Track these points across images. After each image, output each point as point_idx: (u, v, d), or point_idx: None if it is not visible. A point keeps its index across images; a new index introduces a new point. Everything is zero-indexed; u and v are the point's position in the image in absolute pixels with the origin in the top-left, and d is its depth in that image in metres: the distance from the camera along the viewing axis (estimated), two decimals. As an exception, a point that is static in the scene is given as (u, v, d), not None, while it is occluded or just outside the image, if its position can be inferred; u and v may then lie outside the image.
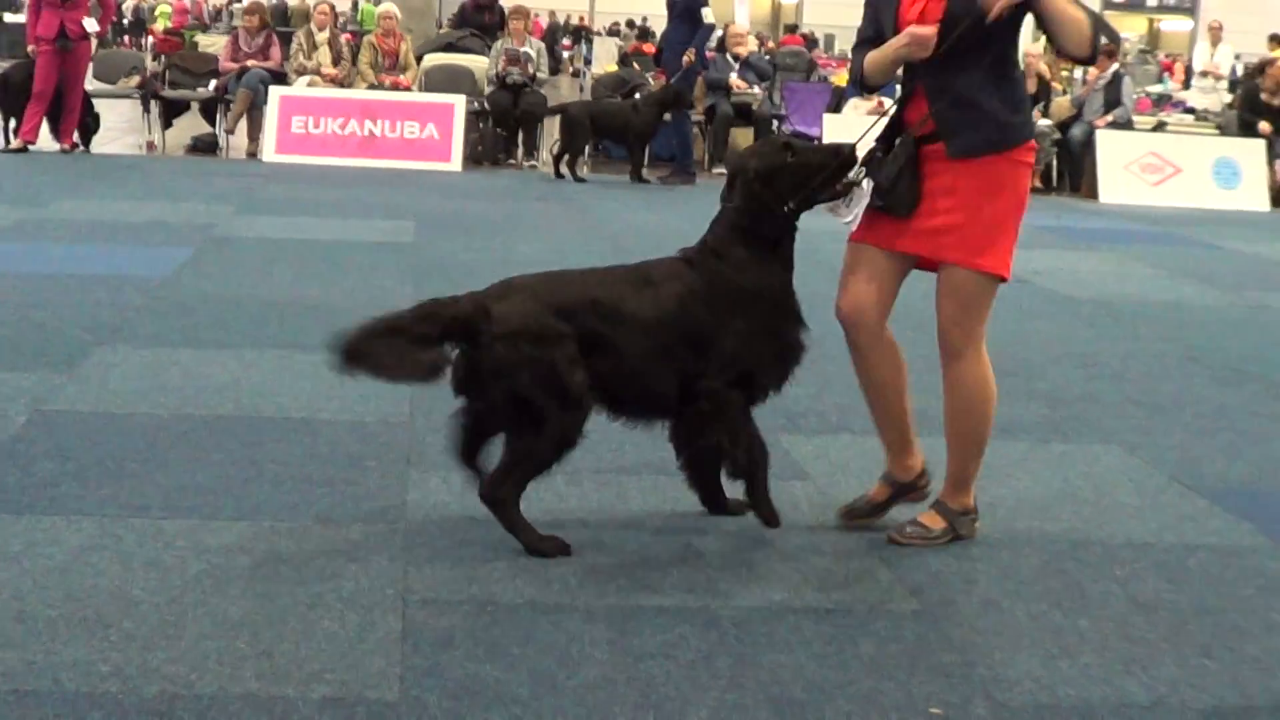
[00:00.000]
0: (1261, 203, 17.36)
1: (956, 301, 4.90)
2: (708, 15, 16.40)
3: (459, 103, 16.81)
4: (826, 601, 4.45)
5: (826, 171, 4.87)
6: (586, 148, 16.64)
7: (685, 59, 16.41)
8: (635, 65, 21.53)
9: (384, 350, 4.62)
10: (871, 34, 4.95)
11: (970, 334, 4.92)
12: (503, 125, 17.42)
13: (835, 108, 18.02)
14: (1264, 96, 18.36)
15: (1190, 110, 20.79)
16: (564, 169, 16.01)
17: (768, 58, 20.38)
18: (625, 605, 4.34)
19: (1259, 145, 17.74)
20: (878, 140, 4.97)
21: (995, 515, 5.33)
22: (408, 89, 17.32)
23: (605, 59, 24.57)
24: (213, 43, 23.78)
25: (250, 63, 17.12)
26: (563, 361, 4.60)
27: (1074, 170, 17.84)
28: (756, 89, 17.95)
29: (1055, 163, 18.00)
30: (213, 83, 17.43)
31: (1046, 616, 4.44)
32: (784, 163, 4.87)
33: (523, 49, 17.06)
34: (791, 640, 4.15)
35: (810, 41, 35.78)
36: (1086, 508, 5.52)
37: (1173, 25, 57.12)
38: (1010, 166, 4.83)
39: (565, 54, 36.08)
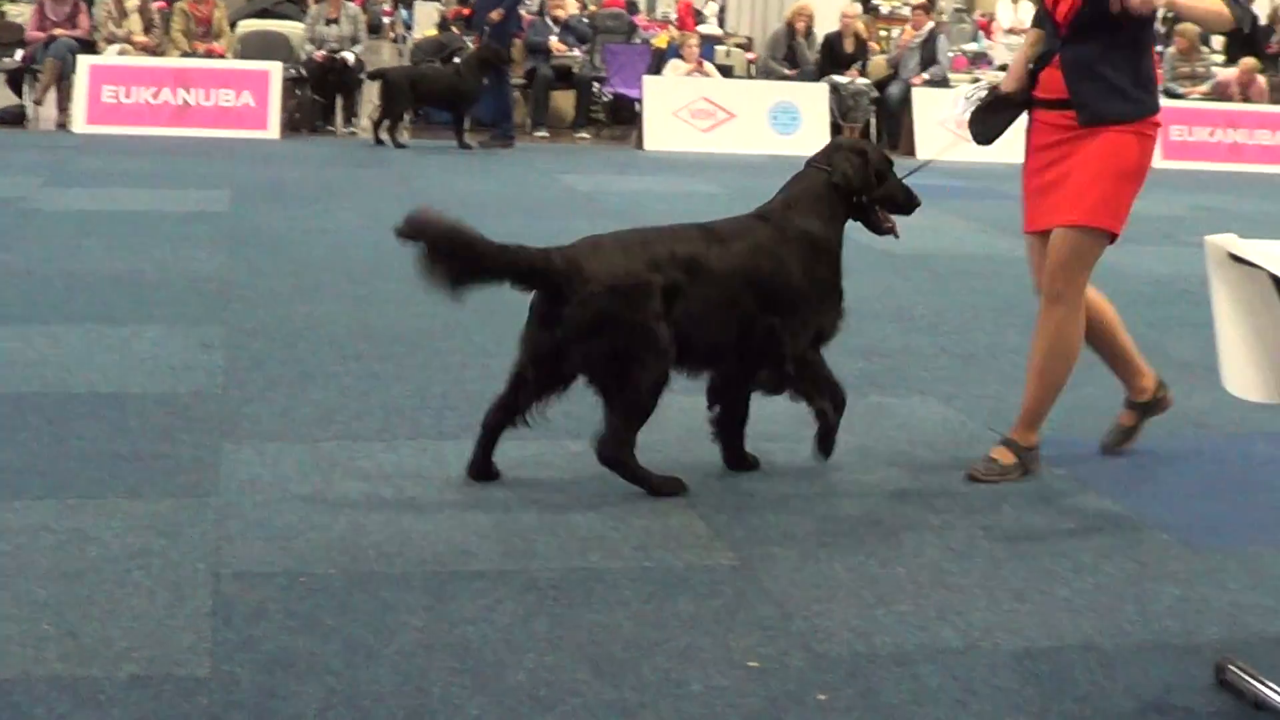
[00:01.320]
0: (1073, 156, 17.67)
1: (1063, 251, 5.28)
2: (520, -22, 16.28)
3: (275, 69, 16.55)
4: (645, 560, 4.44)
5: (906, 196, 5.46)
6: (406, 113, 16.47)
7: (493, 15, 16.16)
8: (455, 29, 21.34)
9: (448, 255, 4.88)
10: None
11: (1071, 283, 5.31)
12: (320, 92, 17.17)
13: (655, 69, 18.01)
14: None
15: (1004, 68, 21.05)
16: (384, 135, 15.84)
17: (587, 21, 20.32)
18: (442, 571, 4.29)
19: (1070, 100, 18.05)
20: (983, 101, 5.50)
21: (813, 468, 5.36)
22: (222, 56, 17.01)
23: (426, 24, 24.32)
24: (20, 12, 23.13)
25: (58, 31, 16.72)
26: (654, 314, 4.82)
27: (892, 128, 18.03)
28: (577, 51, 17.89)
29: (874, 120, 18.17)
30: (19, 52, 16.99)
31: (863, 567, 4.47)
32: (883, 163, 5.41)
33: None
34: (610, 600, 4.13)
35: (631, 4, 35.72)
36: (903, 458, 5.58)
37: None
38: (1133, 138, 5.22)
39: (386, 19, 35.61)
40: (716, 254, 5.04)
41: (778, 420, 5.93)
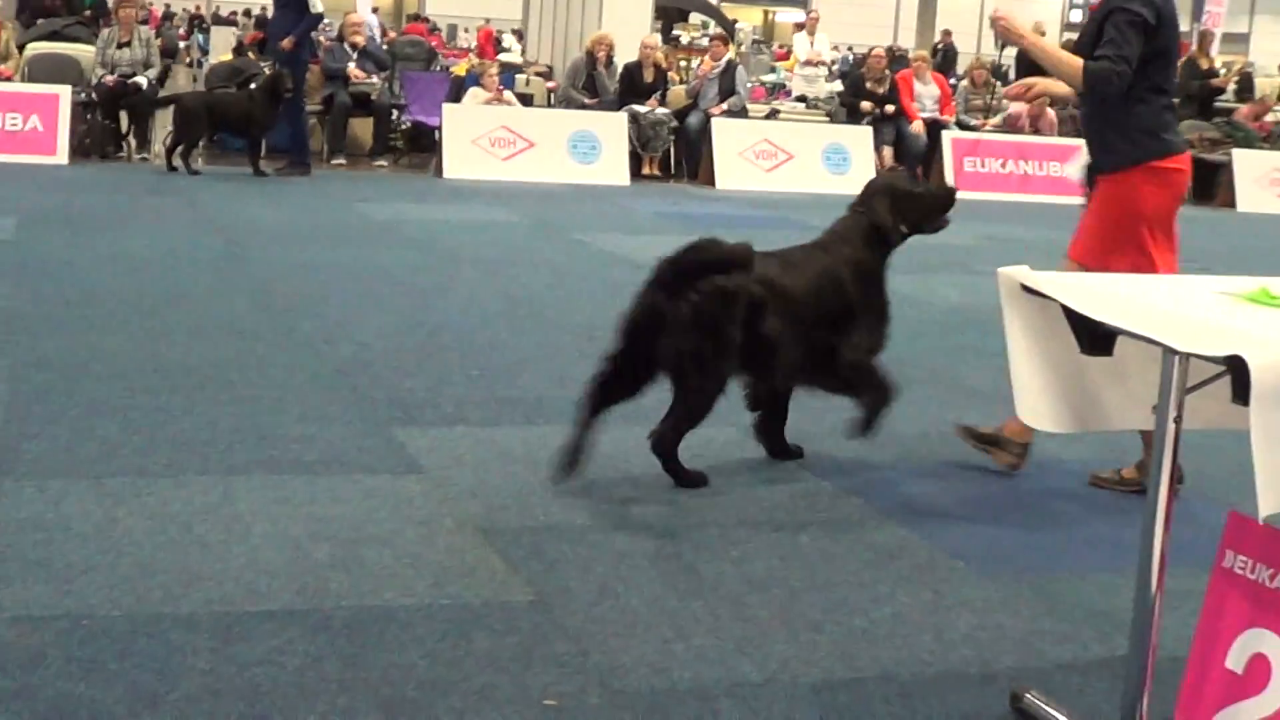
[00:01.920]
0: (869, 186, 17.93)
1: None
2: (315, 4, 16.03)
3: (64, 93, 16.13)
4: (440, 597, 4.35)
5: (940, 209, 6.06)
6: (201, 139, 16.16)
7: (284, 44, 15.88)
8: (251, 54, 21.02)
9: None
10: None
11: None
12: (112, 117, 16.77)
13: (455, 97, 17.91)
14: (868, 85, 19.01)
15: (802, 99, 21.35)
16: (178, 161, 15.51)
17: (386, 47, 20.15)
18: (230, 612, 4.16)
19: (866, 132, 18.32)
20: None
21: (611, 500, 5.32)
22: (9, 79, 16.54)
23: (222, 48, 23.96)
24: None
25: None
26: (736, 323, 5.34)
27: (692, 157, 18.12)
28: (375, 78, 17.72)
29: (673, 150, 18.26)
30: None
31: (662, 600, 4.43)
32: (913, 194, 6.07)
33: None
34: (404, 639, 4.04)
35: (435, 32, 35.65)
36: (702, 489, 5.55)
37: (787, 16, 58.70)
38: (1135, 181, 5.66)
39: (181, 44, 35.08)
40: (790, 277, 5.64)
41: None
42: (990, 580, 4.79)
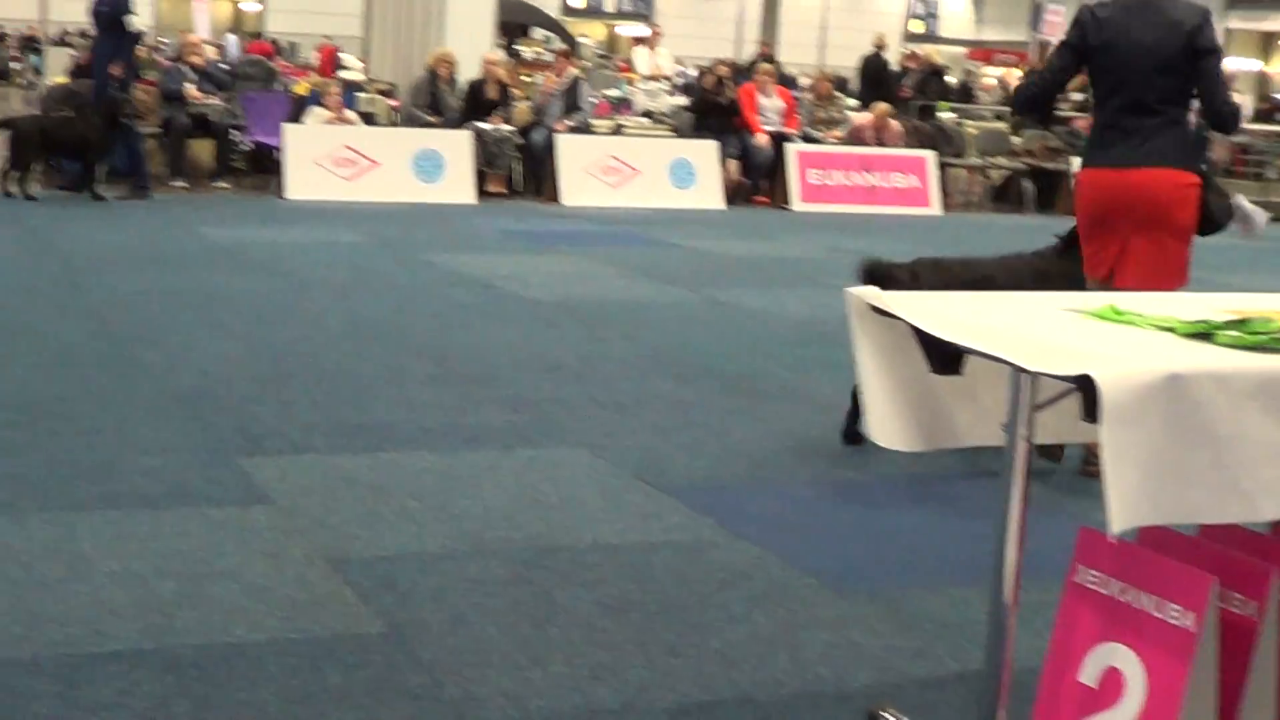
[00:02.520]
0: (716, 201, 18.01)
1: None
2: (132, 23, 15.72)
3: (-110, 118, 15.71)
4: (290, 631, 4.27)
5: None
6: (36, 164, 15.81)
7: (113, 72, 15.58)
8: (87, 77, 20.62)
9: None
10: None
11: None
12: (-59, 141, 16.36)
13: (296, 117, 17.71)
14: (710, 97, 19.15)
15: (648, 113, 21.40)
16: (13, 187, 15.17)
17: (226, 67, 19.88)
18: (75, 654, 4.04)
19: (711, 146, 18.40)
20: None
21: (462, 527, 5.27)
22: None
23: (57, 70, 23.48)
24: None
25: None
26: None
27: (537, 174, 18.08)
28: (215, 99, 17.47)
29: (520, 167, 18.19)
30: None
31: (516, 628, 4.38)
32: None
33: None
34: (254, 676, 3.95)
35: (280, 50, 35.27)
36: (554, 513, 5.52)
37: (630, 30, 58.84)
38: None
39: (15, 65, 34.40)
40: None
41: (424, 478, 5.83)
42: (844, 597, 4.81)
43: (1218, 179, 6.57)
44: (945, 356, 3.38)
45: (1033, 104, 6.79)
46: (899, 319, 3.38)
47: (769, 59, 25.37)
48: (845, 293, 3.51)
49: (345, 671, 4.01)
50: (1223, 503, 2.94)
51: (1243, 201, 6.52)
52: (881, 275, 6.26)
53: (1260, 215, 6.62)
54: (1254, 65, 56.96)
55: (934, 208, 19.07)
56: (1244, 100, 25.18)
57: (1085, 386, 2.87)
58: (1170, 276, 6.23)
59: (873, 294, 3.45)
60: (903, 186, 19.10)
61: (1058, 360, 2.97)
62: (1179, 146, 6.27)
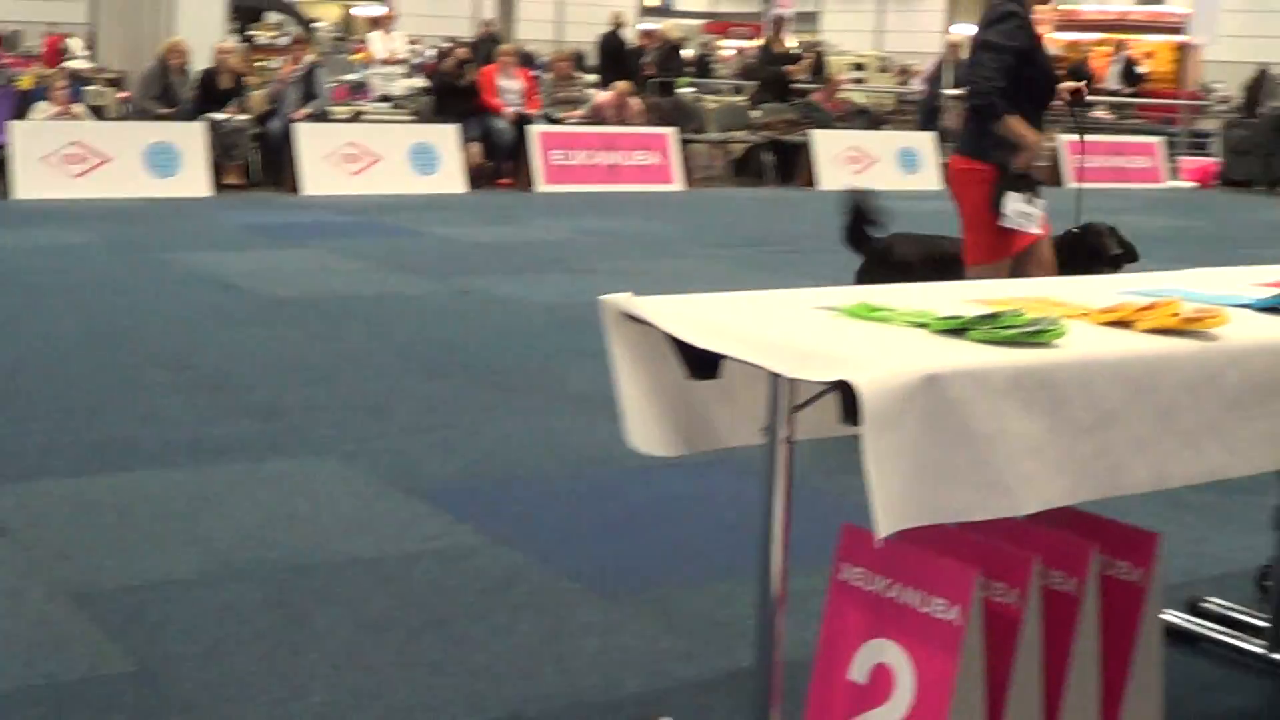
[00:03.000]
0: (459, 185, 17.84)
1: None
2: None
3: None
4: (33, 676, 4.04)
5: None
6: None
7: None
8: None
9: None
10: None
11: None
12: None
13: (20, 113, 17.06)
14: (450, 80, 19.00)
15: (386, 98, 21.11)
16: None
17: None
18: None
19: (452, 130, 18.20)
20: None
21: (213, 550, 5.08)
22: None
23: None
24: None
25: None
26: None
27: (275, 164, 17.69)
28: (-69, 97, 16.76)
29: (258, 158, 17.80)
30: None
31: (274, 657, 4.22)
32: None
33: None
34: (-5, 728, 3.75)
35: (2, 40, 34.07)
36: (307, 528, 5.36)
37: (365, 10, 58.12)
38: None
39: None
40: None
41: (171, 498, 5.62)
42: (609, 600, 4.75)
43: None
44: (701, 362, 3.33)
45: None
46: (653, 326, 3.32)
47: (494, 39, 25.23)
48: (599, 301, 3.44)
49: (94, 716, 3.82)
50: (987, 499, 2.94)
51: (1017, 201, 6.62)
52: (866, 211, 7.45)
53: (1032, 214, 6.71)
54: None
55: (677, 183, 19.16)
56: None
57: (844, 390, 2.85)
58: (975, 253, 6.78)
59: (626, 301, 3.39)
60: (645, 164, 19.14)
61: (815, 365, 2.94)
62: (967, 135, 6.88)
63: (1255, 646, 4.50)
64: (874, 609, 3.38)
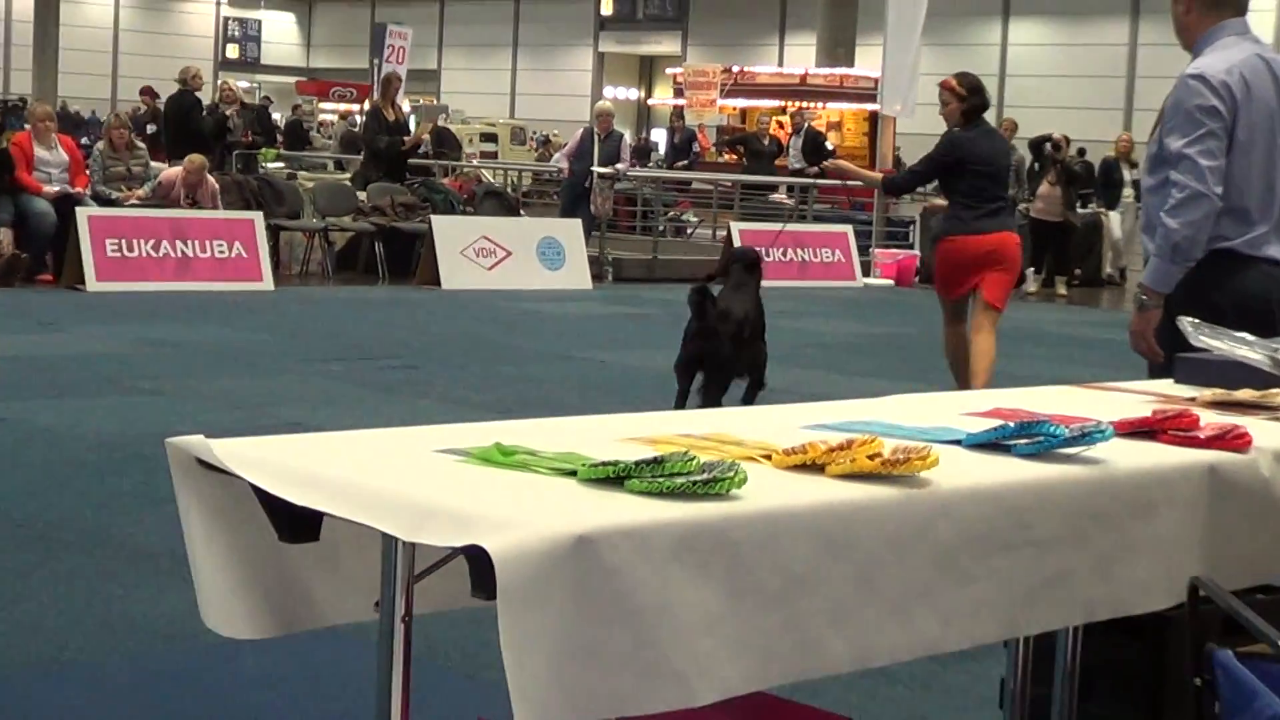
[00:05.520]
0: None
1: None
2: None
3: None
4: None
5: None
6: None
7: None
8: None
9: None
10: None
11: None
12: None
13: None
14: None
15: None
16: None
17: None
18: None
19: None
20: None
21: None
22: None
23: None
24: None
25: None
26: None
27: None
28: None
29: None
30: None
31: None
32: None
33: None
34: None
35: None
36: None
37: None
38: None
39: None
40: None
41: None
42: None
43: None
44: (297, 521, 3.28)
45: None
46: (238, 476, 3.26)
47: (19, 102, 24.75)
48: (166, 444, 3.37)
49: None
50: (653, 688, 2.94)
51: None
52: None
53: None
54: (632, 94, 59.90)
55: (265, 282, 18.91)
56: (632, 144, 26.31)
57: (474, 556, 2.83)
58: None
59: (199, 445, 3.32)
60: (225, 257, 18.92)
61: (438, 525, 2.92)
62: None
63: None
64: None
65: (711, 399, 10.82)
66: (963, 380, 11.59)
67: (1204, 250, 5.99)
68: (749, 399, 11.05)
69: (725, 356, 11.02)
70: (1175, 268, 5.98)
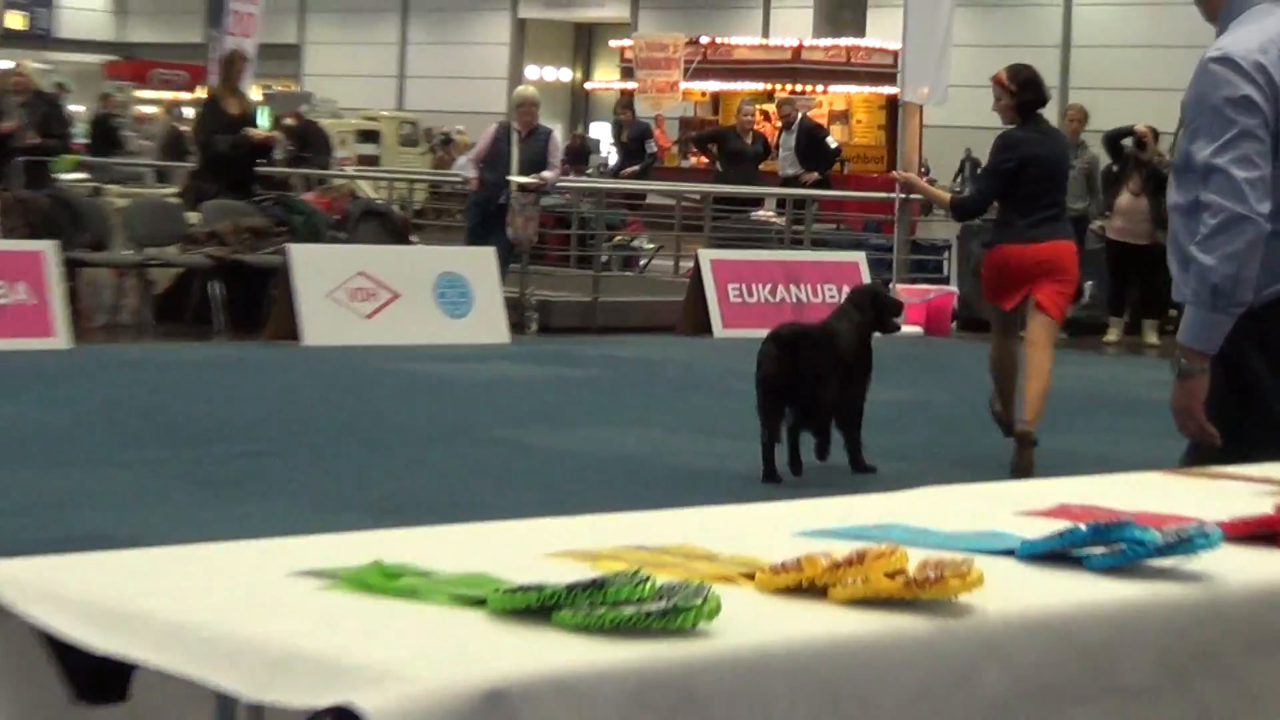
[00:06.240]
0: None
1: None
2: None
3: None
4: None
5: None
6: None
7: None
8: None
9: None
10: None
11: None
12: None
13: None
14: None
15: None
16: None
17: None
18: None
19: None
20: None
21: None
22: None
23: None
24: None
25: None
26: None
27: None
28: None
29: None
30: None
31: None
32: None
33: None
34: None
35: None
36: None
37: None
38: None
39: None
40: None
41: None
42: None
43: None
44: (102, 673, 3.28)
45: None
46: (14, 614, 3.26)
47: None
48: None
49: None
50: None
51: None
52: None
53: None
54: (564, 75, 59.94)
55: (59, 338, 18.73)
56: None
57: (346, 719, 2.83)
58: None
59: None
60: (3, 303, 18.73)
61: (299, 676, 2.91)
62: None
63: None
64: None
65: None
66: (1006, 393, 13.10)
67: (1254, 290, 5.83)
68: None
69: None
70: (1221, 316, 5.83)
